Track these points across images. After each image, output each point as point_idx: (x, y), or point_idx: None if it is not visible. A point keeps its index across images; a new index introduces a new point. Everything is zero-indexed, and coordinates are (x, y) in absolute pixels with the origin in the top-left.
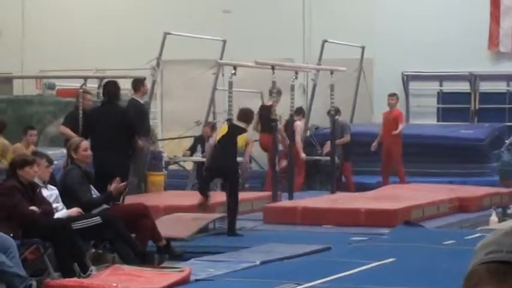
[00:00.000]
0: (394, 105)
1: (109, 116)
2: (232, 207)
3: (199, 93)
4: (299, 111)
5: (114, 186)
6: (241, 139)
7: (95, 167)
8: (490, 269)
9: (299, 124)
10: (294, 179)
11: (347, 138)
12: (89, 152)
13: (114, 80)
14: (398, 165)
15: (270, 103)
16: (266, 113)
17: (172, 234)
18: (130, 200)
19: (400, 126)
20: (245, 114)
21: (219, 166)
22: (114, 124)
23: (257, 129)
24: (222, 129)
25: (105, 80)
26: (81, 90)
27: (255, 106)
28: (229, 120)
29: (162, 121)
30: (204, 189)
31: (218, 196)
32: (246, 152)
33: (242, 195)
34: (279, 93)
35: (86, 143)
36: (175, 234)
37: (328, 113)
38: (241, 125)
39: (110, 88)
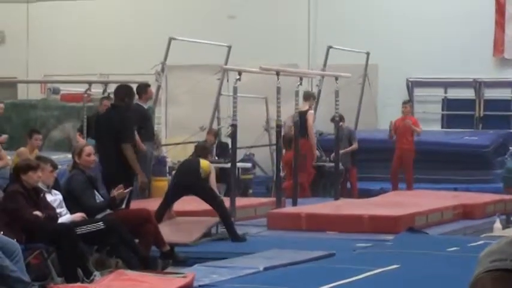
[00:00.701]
0: (408, 112)
1: (111, 120)
2: (222, 216)
3: (203, 98)
4: (308, 96)
5: (116, 191)
6: (204, 164)
7: (102, 171)
8: (494, 277)
9: (312, 113)
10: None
11: (356, 145)
12: (93, 157)
13: (127, 84)
14: (409, 173)
15: (306, 108)
16: (303, 118)
17: (175, 239)
18: (133, 205)
19: (420, 129)
20: (202, 150)
21: (185, 184)
22: (113, 129)
23: (293, 135)
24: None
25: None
26: (85, 94)
27: (259, 111)
28: (233, 126)
29: (167, 126)
30: (167, 206)
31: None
32: (211, 182)
33: (246, 201)
34: (313, 97)
35: (89, 148)
36: (178, 240)
37: (332, 119)
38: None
39: (118, 92)
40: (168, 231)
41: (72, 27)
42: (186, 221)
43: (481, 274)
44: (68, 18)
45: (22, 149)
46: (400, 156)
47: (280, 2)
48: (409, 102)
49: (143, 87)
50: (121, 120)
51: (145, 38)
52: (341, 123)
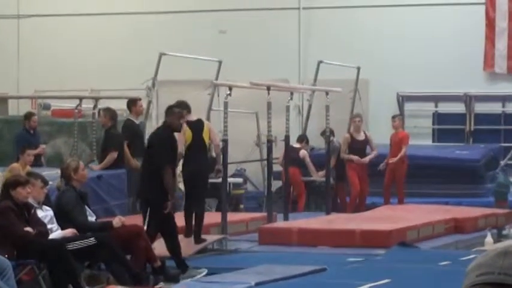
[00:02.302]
0: (398, 126)
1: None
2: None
3: (194, 113)
4: (302, 139)
5: (116, 221)
6: None
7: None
8: None
9: (305, 153)
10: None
11: (333, 161)
12: (86, 172)
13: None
14: (400, 187)
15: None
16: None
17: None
18: (126, 220)
19: (403, 149)
20: None
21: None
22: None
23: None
24: None
25: None
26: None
27: (250, 126)
28: (224, 141)
29: None
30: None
31: (213, 217)
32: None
33: (237, 216)
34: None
35: (82, 163)
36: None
37: (323, 134)
38: None
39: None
40: (164, 246)
41: (63, 43)
42: (182, 237)
43: None
44: (59, 34)
45: (14, 164)
46: (392, 170)
47: (270, 17)
48: (399, 116)
49: (133, 101)
50: (133, 134)
51: (136, 54)
52: (332, 138)
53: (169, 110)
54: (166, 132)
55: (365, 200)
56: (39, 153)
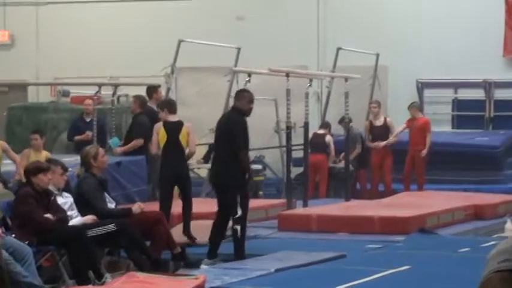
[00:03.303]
0: (415, 113)
1: None
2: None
3: (213, 100)
4: (326, 125)
5: (136, 208)
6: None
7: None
8: (503, 278)
9: (331, 139)
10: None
11: (359, 149)
12: (107, 159)
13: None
14: (421, 174)
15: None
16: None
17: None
18: (146, 207)
19: (428, 137)
20: None
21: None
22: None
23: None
24: None
25: None
26: (95, 97)
27: (269, 113)
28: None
29: None
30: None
31: None
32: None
33: (257, 202)
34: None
35: (102, 150)
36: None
37: (341, 121)
38: None
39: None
40: (181, 233)
41: (81, 30)
42: (201, 223)
43: (490, 274)
44: (78, 21)
45: (25, 150)
46: (413, 157)
47: (289, 3)
48: (414, 103)
49: (153, 88)
50: (153, 121)
51: (155, 41)
52: (351, 125)
53: (239, 94)
54: (237, 116)
55: (389, 187)
56: (83, 140)
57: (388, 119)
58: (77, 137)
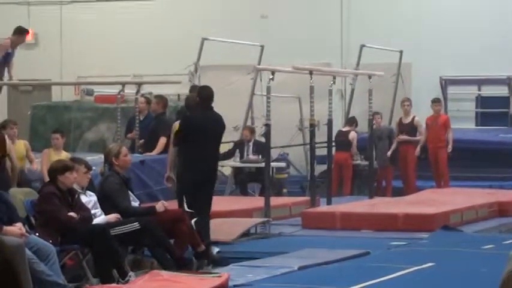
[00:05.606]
0: (439, 110)
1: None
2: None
3: (237, 98)
4: (352, 122)
5: (159, 206)
6: None
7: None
8: None
9: (355, 135)
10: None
11: (394, 145)
12: (130, 158)
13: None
14: (444, 170)
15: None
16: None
17: (217, 237)
18: (169, 205)
19: (450, 134)
20: None
21: None
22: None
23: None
24: None
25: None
26: (118, 95)
27: (293, 111)
28: (267, 126)
29: None
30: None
31: (256, 201)
32: None
33: (280, 200)
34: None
35: (126, 149)
36: (219, 238)
37: (373, 116)
38: None
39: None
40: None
41: (105, 28)
42: (226, 221)
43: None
44: (101, 20)
45: (45, 150)
46: (435, 154)
47: (312, 0)
48: (439, 101)
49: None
50: None
51: (178, 39)
52: (380, 121)
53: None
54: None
55: (413, 184)
56: (132, 138)
57: (416, 118)
58: (128, 135)
